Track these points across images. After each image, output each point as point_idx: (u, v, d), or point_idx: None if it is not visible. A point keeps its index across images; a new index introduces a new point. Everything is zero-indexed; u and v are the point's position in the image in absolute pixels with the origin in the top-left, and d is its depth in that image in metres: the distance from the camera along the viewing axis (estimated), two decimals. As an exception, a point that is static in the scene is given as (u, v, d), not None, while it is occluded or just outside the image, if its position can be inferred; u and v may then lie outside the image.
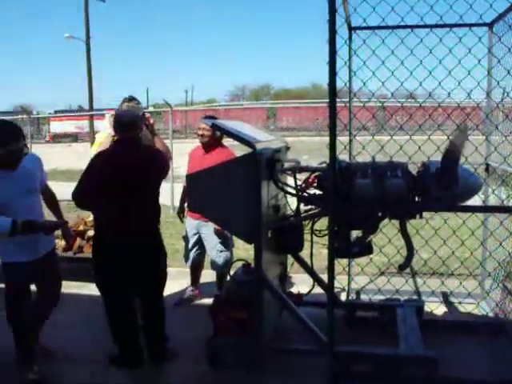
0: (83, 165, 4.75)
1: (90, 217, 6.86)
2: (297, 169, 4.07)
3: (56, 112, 34.68)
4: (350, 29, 5.13)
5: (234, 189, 3.74)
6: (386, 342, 4.14)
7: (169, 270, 6.86)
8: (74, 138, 36.45)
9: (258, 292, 3.85)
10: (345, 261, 5.52)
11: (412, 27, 4.50)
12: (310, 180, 4.09)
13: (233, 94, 68.79)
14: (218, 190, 3.80)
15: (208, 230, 5.38)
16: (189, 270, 5.93)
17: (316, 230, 4.20)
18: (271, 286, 3.92)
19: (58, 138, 35.15)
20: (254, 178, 3.65)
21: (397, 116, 6.36)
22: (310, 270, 4.66)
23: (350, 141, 5.38)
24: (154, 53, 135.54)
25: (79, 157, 15.52)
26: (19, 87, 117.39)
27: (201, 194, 3.90)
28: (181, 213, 5.78)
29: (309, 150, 18.15)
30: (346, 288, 5.68)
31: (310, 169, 4.08)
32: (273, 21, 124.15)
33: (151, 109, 26.44)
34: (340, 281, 5.31)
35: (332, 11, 2.82)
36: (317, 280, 4.69)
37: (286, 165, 4.24)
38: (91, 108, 21.73)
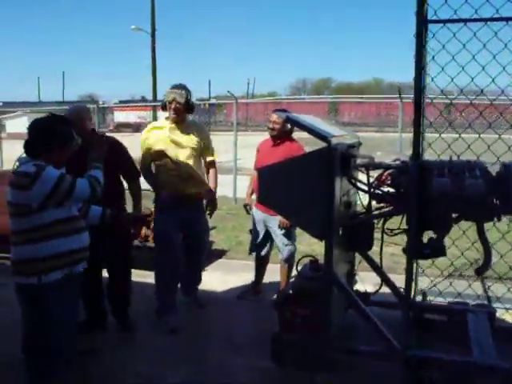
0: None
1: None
2: (371, 165, 3.96)
3: (120, 102, 35.35)
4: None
5: (307, 184, 3.66)
6: (456, 347, 4.00)
7: (232, 262, 7.00)
8: (136, 127, 37.15)
9: (327, 290, 3.78)
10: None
11: (486, 20, 4.25)
12: (383, 177, 3.99)
13: (294, 86, 68.54)
14: (290, 184, 3.73)
15: (275, 224, 5.36)
16: (253, 262, 5.92)
17: (388, 229, 4.08)
18: (341, 285, 3.83)
19: (120, 128, 35.90)
20: (328, 174, 3.57)
21: (465, 113, 6.08)
22: (378, 270, 4.54)
23: (422, 138, 5.23)
24: (216, 44, 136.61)
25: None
26: (85, 78, 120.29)
27: (271, 187, 3.84)
28: (247, 205, 5.79)
29: (372, 146, 17.85)
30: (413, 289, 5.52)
31: (384, 166, 3.96)
32: (330, 15, 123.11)
33: (213, 100, 26.64)
34: (402, 280, 5.15)
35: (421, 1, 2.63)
36: (385, 280, 4.56)
37: (358, 161, 4.14)
38: (155, 99, 21.99)
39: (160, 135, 4.91)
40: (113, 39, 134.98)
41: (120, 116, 38.46)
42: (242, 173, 11.98)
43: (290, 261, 5.46)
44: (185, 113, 4.94)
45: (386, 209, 4.07)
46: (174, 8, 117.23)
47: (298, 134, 5.57)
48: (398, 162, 4.02)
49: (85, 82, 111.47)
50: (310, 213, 3.71)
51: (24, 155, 3.28)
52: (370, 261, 4.61)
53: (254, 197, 5.72)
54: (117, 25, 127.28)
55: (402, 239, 4.13)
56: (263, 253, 5.69)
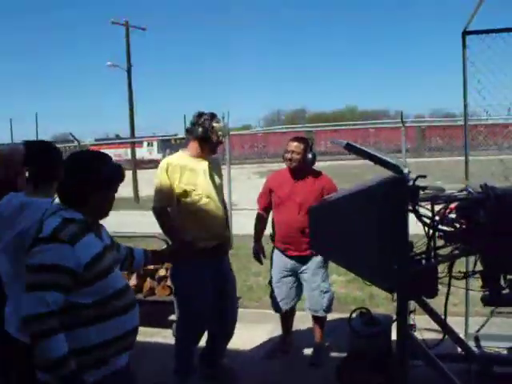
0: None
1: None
2: (439, 198, 3.32)
3: (96, 140, 34.53)
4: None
5: (373, 223, 3.02)
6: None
7: (246, 311, 6.24)
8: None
9: (403, 353, 3.11)
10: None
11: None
12: (448, 211, 3.36)
13: (268, 119, 68.19)
14: (349, 225, 3.09)
15: (309, 268, 4.62)
16: (270, 311, 5.15)
17: (460, 272, 3.45)
18: (421, 346, 3.17)
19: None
20: (402, 210, 2.94)
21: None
22: (438, 319, 3.87)
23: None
24: (185, 79, 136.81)
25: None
26: (58, 118, 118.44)
27: (325, 230, 3.19)
28: (259, 251, 4.89)
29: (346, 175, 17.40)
30: (463, 332, 4.88)
31: (455, 198, 3.34)
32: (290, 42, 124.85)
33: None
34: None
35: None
36: (447, 331, 3.89)
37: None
38: (133, 135, 21.30)
39: (195, 170, 4.17)
40: (87, 78, 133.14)
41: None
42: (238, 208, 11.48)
43: (330, 309, 4.74)
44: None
45: (452, 248, 3.45)
46: (149, 44, 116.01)
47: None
48: (464, 193, 3.43)
49: (58, 121, 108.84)
50: (379, 260, 3.05)
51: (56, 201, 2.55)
52: (428, 308, 3.95)
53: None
54: (90, 63, 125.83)
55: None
56: (293, 307, 4.89)
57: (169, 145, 32.39)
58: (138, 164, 22.10)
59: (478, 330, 5.09)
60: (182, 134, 19.96)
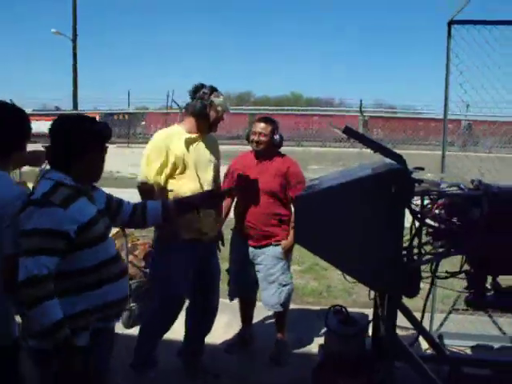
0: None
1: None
2: (431, 193, 3.10)
3: (34, 111, 32.88)
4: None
5: (366, 217, 2.78)
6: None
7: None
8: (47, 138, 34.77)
9: (391, 356, 2.90)
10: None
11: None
12: (435, 207, 3.16)
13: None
14: (341, 217, 2.82)
15: (267, 259, 4.35)
16: (227, 300, 4.87)
17: (447, 273, 3.27)
18: (407, 351, 2.97)
19: (33, 138, 33.44)
20: (400, 204, 2.71)
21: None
22: (413, 319, 3.67)
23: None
24: (131, 53, 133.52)
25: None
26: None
27: (314, 222, 2.90)
28: (219, 239, 4.46)
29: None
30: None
31: (447, 193, 3.13)
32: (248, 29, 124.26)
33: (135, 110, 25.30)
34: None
35: None
36: (421, 331, 3.71)
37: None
38: (75, 108, 20.41)
39: (189, 147, 3.81)
40: (29, 44, 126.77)
41: (32, 126, 35.87)
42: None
43: (287, 304, 4.48)
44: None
45: (438, 246, 3.26)
46: (97, 15, 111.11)
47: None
48: (455, 189, 3.24)
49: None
50: (370, 257, 2.81)
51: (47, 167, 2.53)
52: (404, 307, 3.77)
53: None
54: (35, 30, 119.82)
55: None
56: (252, 296, 4.67)
57: (111, 120, 31.18)
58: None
59: (439, 328, 5.01)
60: (126, 110, 19.44)
